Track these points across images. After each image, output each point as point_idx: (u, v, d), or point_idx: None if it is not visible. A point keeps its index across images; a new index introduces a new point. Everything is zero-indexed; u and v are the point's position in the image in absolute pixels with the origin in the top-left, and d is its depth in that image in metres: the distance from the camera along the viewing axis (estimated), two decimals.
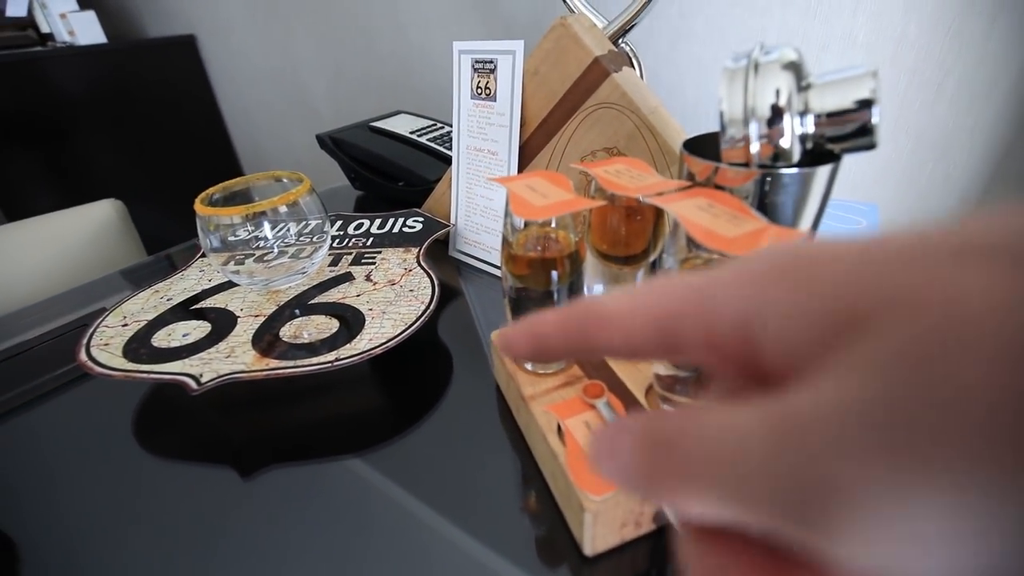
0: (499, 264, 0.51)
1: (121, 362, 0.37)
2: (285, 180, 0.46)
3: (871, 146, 0.26)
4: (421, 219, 0.55)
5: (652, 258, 0.31)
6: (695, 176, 0.29)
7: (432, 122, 0.79)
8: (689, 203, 0.24)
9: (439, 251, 0.56)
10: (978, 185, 0.65)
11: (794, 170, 0.26)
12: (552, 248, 0.29)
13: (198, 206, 0.40)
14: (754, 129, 0.26)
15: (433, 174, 0.65)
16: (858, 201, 0.64)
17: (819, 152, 0.28)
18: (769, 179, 0.26)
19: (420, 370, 0.41)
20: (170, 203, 1.40)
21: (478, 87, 0.49)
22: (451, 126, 0.78)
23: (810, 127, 0.26)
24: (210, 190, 0.43)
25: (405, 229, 0.53)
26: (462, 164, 0.52)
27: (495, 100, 0.47)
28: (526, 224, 0.30)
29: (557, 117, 0.45)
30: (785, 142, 0.26)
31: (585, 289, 0.32)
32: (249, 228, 0.42)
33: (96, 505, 0.32)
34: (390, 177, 0.70)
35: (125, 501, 0.32)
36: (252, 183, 0.46)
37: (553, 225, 0.29)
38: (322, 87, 1.23)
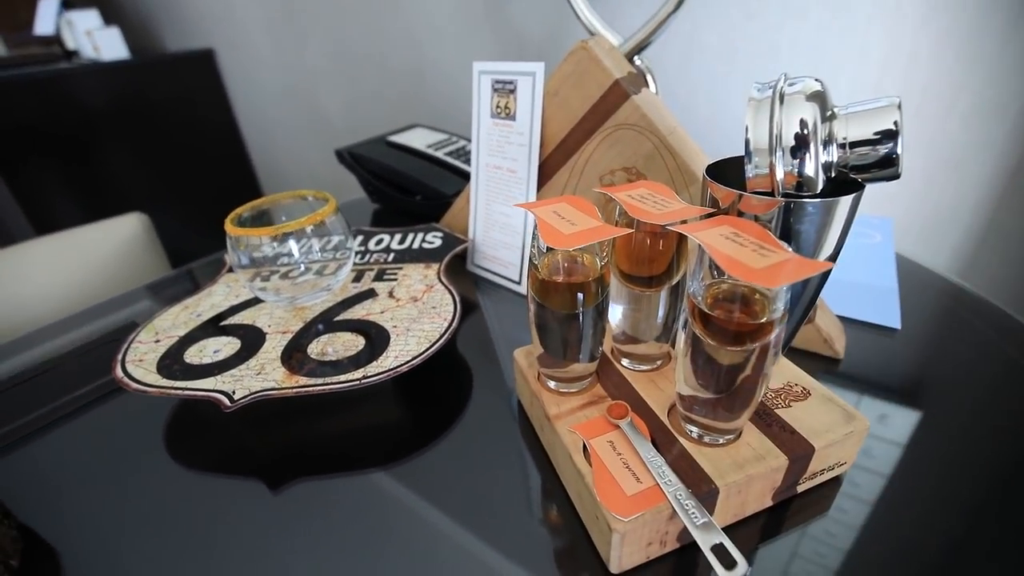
0: (516, 279, 0.52)
1: (155, 378, 0.38)
2: (311, 199, 0.47)
3: (895, 176, 0.26)
4: (440, 234, 0.56)
5: (675, 280, 0.32)
6: (719, 202, 0.30)
7: (448, 135, 0.80)
8: (715, 232, 0.25)
9: (457, 265, 0.57)
10: (991, 200, 0.65)
11: (817, 200, 0.26)
12: (578, 272, 0.30)
13: (229, 227, 0.41)
14: (779, 158, 0.27)
15: (450, 188, 0.66)
16: (873, 216, 0.65)
17: (842, 181, 0.28)
18: (793, 207, 0.27)
19: (442, 385, 0.42)
20: (190, 215, 1.43)
21: (497, 107, 0.50)
22: (467, 139, 0.80)
23: (834, 156, 0.27)
24: (239, 210, 0.44)
25: (425, 245, 0.54)
26: (481, 181, 0.53)
27: (515, 120, 0.48)
28: (550, 248, 0.30)
29: (576, 137, 0.45)
30: (809, 171, 0.27)
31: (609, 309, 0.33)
32: (275, 245, 0.44)
33: (130, 515, 0.33)
34: (407, 191, 0.71)
35: (157, 512, 0.33)
36: (279, 202, 0.47)
37: (579, 261, 0.30)
38: (337, 101, 1.25)
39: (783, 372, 0.34)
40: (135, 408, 0.42)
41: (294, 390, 0.36)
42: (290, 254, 0.44)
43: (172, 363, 0.39)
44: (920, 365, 0.42)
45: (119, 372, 0.38)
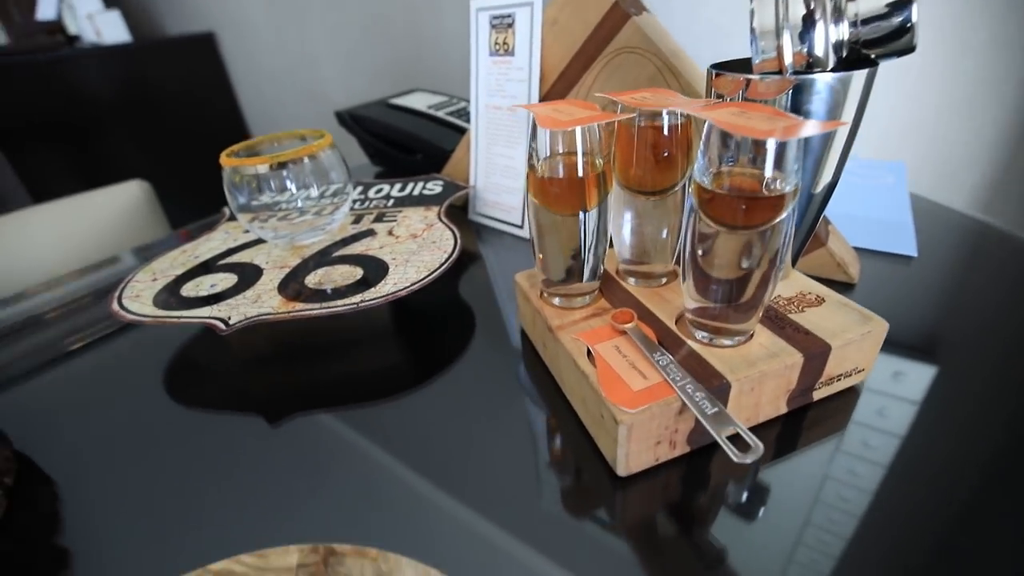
0: (519, 223, 0.51)
1: (152, 310, 0.37)
2: (308, 138, 0.46)
3: (910, 48, 0.25)
4: (440, 182, 0.55)
5: (680, 184, 0.30)
6: (724, 97, 0.29)
7: (449, 97, 0.79)
8: (722, 111, 0.24)
9: (459, 216, 0.56)
10: (1007, 140, 0.63)
11: (829, 75, 0.25)
12: (578, 172, 0.29)
13: (224, 159, 0.40)
14: (787, 38, 0.26)
15: (451, 145, 0.65)
16: (885, 160, 0.63)
17: (854, 60, 0.27)
18: (803, 87, 0.25)
19: (443, 325, 0.41)
20: (193, 198, 1.43)
21: (496, 43, 0.48)
22: (467, 100, 0.79)
23: (845, 34, 0.26)
24: (233, 147, 0.43)
25: (425, 192, 0.53)
26: (481, 124, 0.52)
27: (513, 55, 0.47)
28: (551, 155, 0.29)
29: (576, 67, 0.44)
30: (819, 50, 0.26)
31: (611, 220, 0.32)
32: (273, 187, 0.43)
33: (126, 447, 0.32)
34: (408, 150, 0.70)
35: (154, 445, 0.32)
36: (276, 140, 0.46)
37: (579, 151, 0.29)
38: (337, 75, 1.25)
39: (796, 283, 0.32)
40: (135, 347, 0.42)
41: (291, 314, 0.35)
42: (289, 198, 0.43)
43: (168, 296, 0.39)
44: (939, 291, 0.40)
45: (115, 306, 0.38)
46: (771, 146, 0.22)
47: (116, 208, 0.72)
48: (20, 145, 1.19)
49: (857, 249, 0.44)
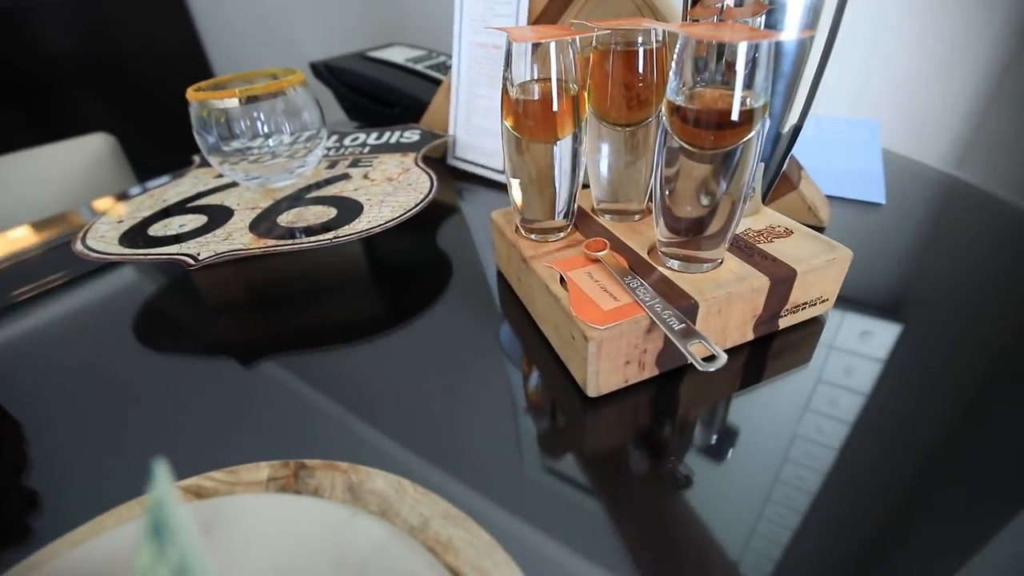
0: (501, 168, 0.50)
1: (118, 249, 0.36)
2: (280, 77, 0.44)
3: None
4: (418, 131, 0.54)
5: (655, 114, 0.30)
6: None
7: (428, 51, 0.77)
8: (697, 27, 0.23)
9: (437, 167, 0.55)
10: (980, 101, 0.64)
11: None
12: (551, 97, 0.28)
13: (191, 93, 0.39)
14: None
15: (429, 98, 0.64)
16: (860, 119, 0.63)
17: None
18: (777, 9, 0.25)
19: (419, 270, 0.41)
20: (161, 153, 1.38)
21: None
22: (447, 55, 0.77)
23: None
24: (201, 83, 0.42)
25: (402, 140, 0.52)
26: (463, 63, 0.51)
27: None
28: (526, 80, 0.29)
29: (559, 4, 0.43)
30: None
31: (586, 147, 0.31)
32: (244, 127, 0.41)
33: (95, 390, 0.31)
34: (386, 103, 0.68)
35: (124, 389, 0.31)
36: (247, 79, 0.45)
37: (552, 74, 0.28)
38: (312, 30, 1.20)
39: (766, 218, 0.33)
40: (102, 293, 0.41)
41: (262, 250, 0.34)
42: (261, 144, 0.42)
43: (135, 236, 0.38)
44: (904, 235, 0.41)
45: (79, 246, 0.37)
46: (742, 55, 0.21)
47: (79, 162, 0.69)
48: None
49: (828, 197, 0.45)
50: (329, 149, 0.52)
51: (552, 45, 0.26)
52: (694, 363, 0.22)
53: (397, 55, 0.75)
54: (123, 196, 0.57)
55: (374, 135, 0.55)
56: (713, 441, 0.25)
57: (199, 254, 0.34)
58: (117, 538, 0.19)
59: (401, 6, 1.04)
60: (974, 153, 0.68)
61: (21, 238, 0.51)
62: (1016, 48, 0.61)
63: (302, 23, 1.20)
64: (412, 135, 0.53)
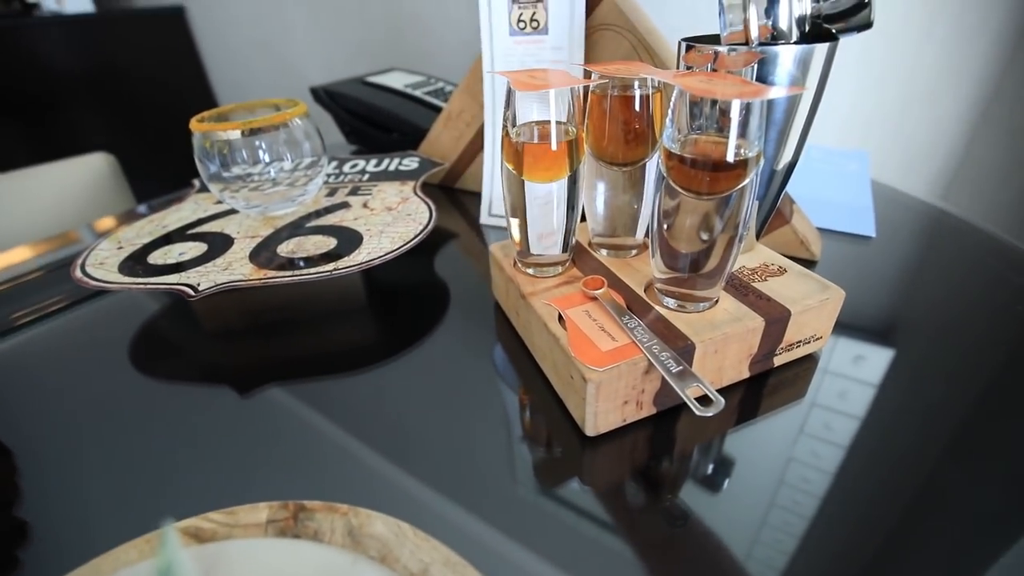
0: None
1: (117, 277, 0.36)
2: (282, 108, 0.45)
3: (868, 24, 0.26)
4: (416, 159, 0.55)
5: (651, 156, 0.31)
6: (694, 69, 0.29)
7: (427, 77, 0.78)
8: (689, 78, 0.24)
9: (435, 194, 0.56)
10: (966, 129, 0.66)
11: (793, 46, 0.26)
12: (551, 139, 0.29)
13: (194, 124, 0.39)
14: (753, 12, 0.27)
15: (428, 124, 0.65)
16: (849, 149, 0.65)
17: (816, 35, 0.28)
18: (769, 58, 0.26)
19: (417, 300, 0.41)
20: (161, 174, 1.38)
21: (520, 21, 0.43)
22: (446, 81, 0.78)
23: (807, 8, 0.27)
24: (204, 113, 0.42)
25: (401, 167, 0.53)
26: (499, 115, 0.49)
27: (546, 33, 0.43)
28: (526, 122, 0.30)
29: None
30: (783, 23, 0.26)
31: (583, 188, 0.32)
32: (245, 157, 0.42)
33: (90, 418, 0.31)
34: (384, 128, 0.69)
35: (119, 416, 0.31)
36: (249, 109, 0.45)
37: (552, 117, 0.29)
38: (313, 55, 1.22)
39: (759, 255, 0.34)
40: (99, 319, 0.41)
41: (262, 281, 0.34)
42: (262, 170, 0.42)
43: (135, 264, 0.38)
44: (894, 268, 0.42)
45: (78, 273, 0.37)
46: (735, 110, 0.22)
47: (79, 181, 0.69)
48: None
49: (819, 229, 0.46)
50: (329, 176, 0.53)
51: (552, 93, 0.27)
52: (692, 408, 0.23)
53: (396, 80, 0.76)
54: (124, 218, 0.57)
55: (373, 162, 0.55)
56: (711, 473, 0.25)
57: (199, 285, 0.34)
58: None
59: (401, 30, 1.06)
60: (959, 180, 0.69)
61: (20, 258, 0.51)
62: (1000, 78, 0.63)
63: (303, 47, 1.22)
64: (411, 162, 0.54)
